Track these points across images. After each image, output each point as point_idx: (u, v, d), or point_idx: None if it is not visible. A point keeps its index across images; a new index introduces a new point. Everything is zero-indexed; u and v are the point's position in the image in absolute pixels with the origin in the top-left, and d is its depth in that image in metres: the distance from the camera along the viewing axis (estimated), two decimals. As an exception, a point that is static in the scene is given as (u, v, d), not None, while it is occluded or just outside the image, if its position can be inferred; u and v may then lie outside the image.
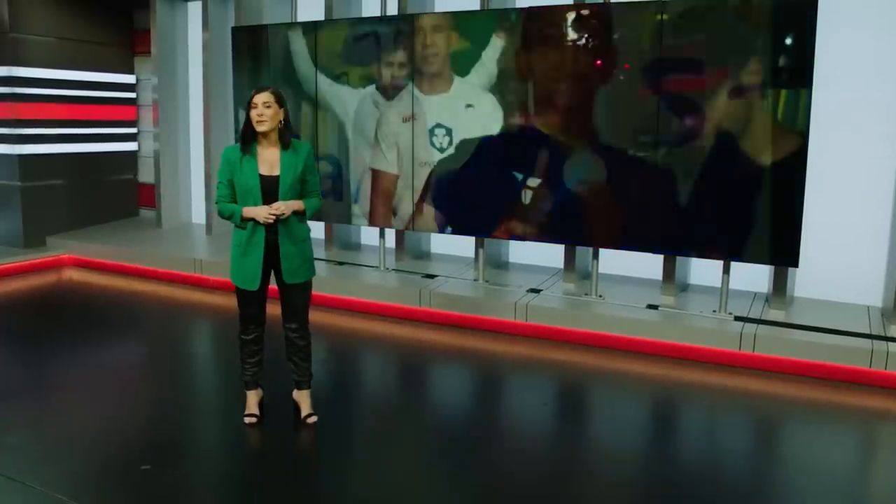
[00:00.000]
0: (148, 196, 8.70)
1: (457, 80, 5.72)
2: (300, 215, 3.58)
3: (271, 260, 3.58)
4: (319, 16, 6.65)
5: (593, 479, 3.43)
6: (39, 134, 7.78)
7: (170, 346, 5.41)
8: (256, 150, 3.48)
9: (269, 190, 3.48)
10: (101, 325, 5.67)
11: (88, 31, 8.16)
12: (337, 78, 6.21)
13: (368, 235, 7.12)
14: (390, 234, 6.57)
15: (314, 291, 5.97)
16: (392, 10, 6.38)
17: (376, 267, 6.43)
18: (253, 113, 3.40)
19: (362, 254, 6.97)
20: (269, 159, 3.50)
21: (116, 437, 3.67)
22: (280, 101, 3.46)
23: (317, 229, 7.10)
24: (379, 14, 6.44)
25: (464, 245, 6.42)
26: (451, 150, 5.81)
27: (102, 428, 3.79)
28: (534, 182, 5.50)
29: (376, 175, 6.20)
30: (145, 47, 8.32)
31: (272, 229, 3.51)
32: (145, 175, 8.81)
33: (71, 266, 7.55)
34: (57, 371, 4.61)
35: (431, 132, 5.91)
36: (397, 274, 6.28)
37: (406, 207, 6.07)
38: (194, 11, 8.08)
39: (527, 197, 5.53)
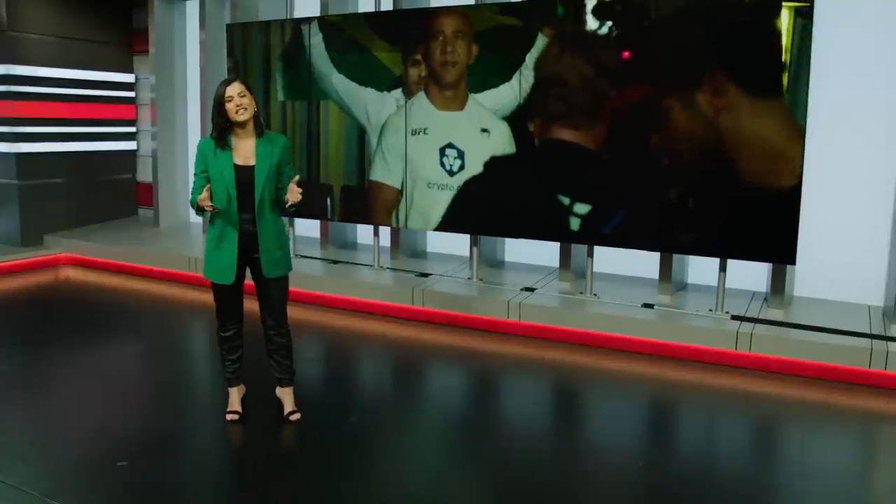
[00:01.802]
0: (146, 195, 8.69)
1: (471, 98, 5.47)
2: (280, 208, 3.53)
3: (247, 255, 3.52)
4: (315, 12, 6.61)
5: (588, 481, 3.34)
6: (37, 132, 7.78)
7: (162, 343, 5.36)
8: (231, 142, 3.45)
9: (245, 180, 3.44)
10: (95, 324, 5.63)
11: (87, 29, 8.16)
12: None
13: (364, 234, 7.05)
14: (385, 233, 6.50)
15: (307, 289, 6.03)
16: (387, 5, 6.32)
17: (371, 265, 6.37)
18: (230, 105, 3.36)
19: (358, 253, 6.91)
20: (245, 150, 3.46)
21: (98, 435, 3.63)
22: (251, 90, 3.45)
23: (312, 228, 7.10)
24: (373, 10, 6.38)
25: (460, 244, 6.34)
26: (479, 169, 5.52)
27: (85, 425, 3.75)
28: (582, 208, 5.18)
29: (377, 188, 6.04)
30: (144, 46, 8.32)
31: (248, 220, 3.46)
32: (144, 174, 8.80)
33: (68, 264, 7.53)
34: (47, 369, 4.56)
35: (442, 152, 5.69)
36: (392, 272, 6.21)
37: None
38: (192, 10, 8.07)
39: (575, 224, 5.21)
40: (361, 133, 6.06)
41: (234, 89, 3.37)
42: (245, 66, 6.52)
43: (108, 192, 8.62)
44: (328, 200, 6.26)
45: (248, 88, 3.44)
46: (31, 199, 7.78)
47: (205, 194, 3.32)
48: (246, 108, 3.38)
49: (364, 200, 6.11)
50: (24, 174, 7.71)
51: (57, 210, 8.02)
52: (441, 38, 5.53)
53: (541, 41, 5.15)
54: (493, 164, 5.47)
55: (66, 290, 6.87)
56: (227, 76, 6.74)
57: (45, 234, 7.87)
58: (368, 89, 5.91)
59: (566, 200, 5.20)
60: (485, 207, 5.60)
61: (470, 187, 5.59)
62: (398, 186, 5.91)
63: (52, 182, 7.97)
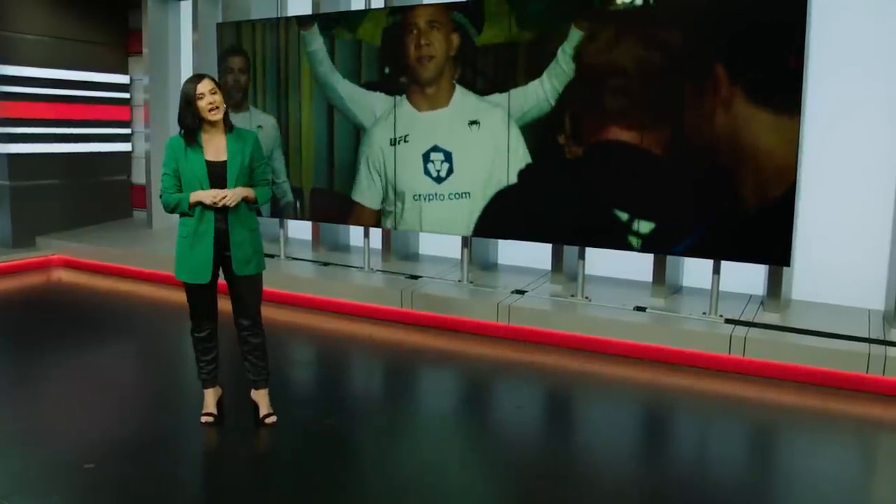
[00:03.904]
0: (141, 197, 8.63)
1: (458, 91, 5.20)
2: (251, 203, 3.48)
3: (219, 252, 3.45)
4: (307, 11, 6.53)
5: (579, 487, 3.22)
6: (30, 133, 7.74)
7: (148, 346, 5.28)
8: (201, 138, 3.39)
9: (217, 175, 3.38)
10: (84, 326, 5.55)
11: (82, 30, 8.13)
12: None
13: (357, 236, 6.95)
14: (376, 234, 6.40)
15: (296, 291, 5.94)
16: (378, 2, 6.24)
17: (361, 268, 6.27)
18: (202, 103, 3.31)
19: (350, 255, 6.81)
20: (215, 146, 3.41)
21: (69, 436, 3.56)
22: (220, 87, 3.40)
23: (304, 230, 7.01)
24: (364, 7, 6.31)
25: (453, 246, 6.22)
26: (513, 179, 5.07)
27: (61, 426, 3.68)
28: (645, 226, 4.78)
29: (357, 209, 5.86)
30: (139, 47, 8.26)
31: (221, 217, 3.39)
32: (139, 176, 8.74)
33: (60, 266, 7.47)
34: (33, 370, 4.49)
35: (426, 157, 5.41)
36: (382, 275, 6.11)
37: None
38: (186, 11, 8.02)
39: (637, 244, 4.82)
40: (331, 133, 5.96)
41: (206, 86, 3.31)
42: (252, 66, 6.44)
43: (103, 193, 8.57)
44: (297, 201, 6.21)
45: (219, 85, 3.39)
46: (22, 200, 7.72)
47: (212, 193, 3.32)
48: (218, 107, 3.33)
49: (344, 212, 6.01)
50: (16, 175, 7.66)
51: (49, 211, 7.97)
52: (414, 31, 5.30)
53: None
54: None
55: (57, 292, 6.80)
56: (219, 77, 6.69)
57: (38, 236, 7.82)
58: (377, 94, 5.66)
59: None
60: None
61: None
62: (376, 207, 5.75)
63: (44, 183, 7.92)
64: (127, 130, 8.75)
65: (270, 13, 6.94)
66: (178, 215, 3.46)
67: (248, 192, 3.42)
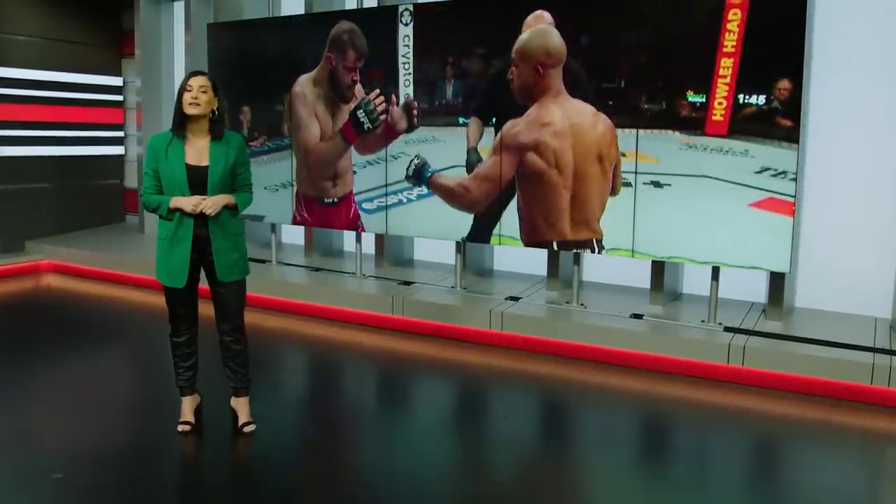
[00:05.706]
0: (133, 201, 8.53)
1: None
2: (232, 210, 3.36)
3: (201, 257, 3.34)
4: (299, 11, 6.44)
5: (572, 500, 3.09)
6: (20, 136, 7.63)
7: (136, 352, 5.14)
8: (186, 138, 3.27)
9: (197, 181, 3.27)
10: (72, 332, 5.43)
11: (73, 31, 8.03)
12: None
13: (351, 241, 6.82)
14: (368, 239, 6.27)
15: (286, 297, 5.81)
16: (371, 3, 6.14)
17: (353, 273, 6.13)
18: (187, 95, 3.20)
19: (343, 260, 6.69)
20: (198, 149, 3.29)
21: (45, 443, 3.45)
22: (216, 89, 3.28)
23: (297, 234, 6.89)
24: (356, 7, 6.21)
25: (447, 251, 6.08)
26: None
27: (36, 433, 3.57)
28: None
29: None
30: (133, 48, 8.17)
31: (202, 223, 3.28)
32: (132, 180, 8.63)
33: (49, 271, 7.35)
34: (13, 376, 4.36)
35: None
36: (375, 281, 5.97)
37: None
38: (180, 11, 7.92)
39: None
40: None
41: (197, 81, 3.22)
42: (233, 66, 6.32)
43: (94, 197, 8.45)
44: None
45: (215, 86, 3.27)
46: (11, 204, 7.59)
47: (192, 200, 3.20)
48: (199, 104, 3.21)
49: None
50: (5, 178, 7.53)
51: (40, 215, 7.85)
52: None
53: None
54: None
55: (46, 298, 6.68)
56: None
57: (27, 240, 7.69)
58: None
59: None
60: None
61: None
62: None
63: (34, 187, 7.81)
64: (120, 133, 8.65)
65: (262, 14, 6.85)
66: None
67: (228, 199, 3.31)
